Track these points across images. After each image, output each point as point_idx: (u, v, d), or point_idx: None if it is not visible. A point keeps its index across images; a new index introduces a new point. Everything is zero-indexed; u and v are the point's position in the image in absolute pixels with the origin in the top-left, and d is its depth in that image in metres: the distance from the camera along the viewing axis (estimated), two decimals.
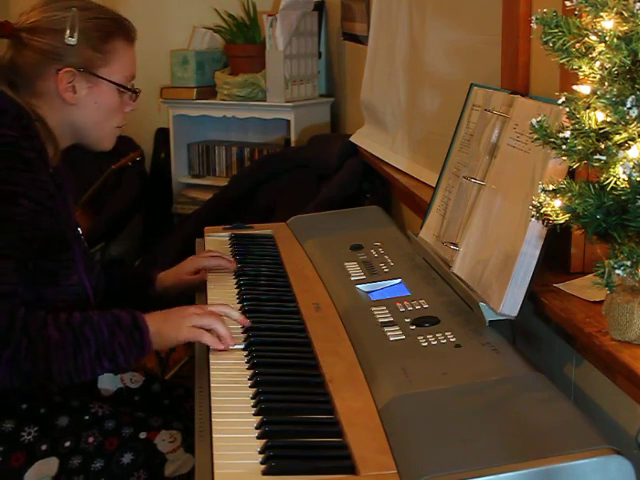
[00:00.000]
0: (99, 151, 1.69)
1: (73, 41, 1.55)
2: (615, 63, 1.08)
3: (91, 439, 1.49)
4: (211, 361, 1.43)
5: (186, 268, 1.87)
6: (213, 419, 1.23)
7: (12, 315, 1.38)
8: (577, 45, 1.12)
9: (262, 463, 1.11)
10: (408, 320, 1.48)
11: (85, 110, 1.61)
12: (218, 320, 1.48)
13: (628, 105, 1.06)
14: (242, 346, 1.47)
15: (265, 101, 3.81)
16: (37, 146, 1.51)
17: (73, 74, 1.56)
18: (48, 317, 1.42)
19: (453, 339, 1.38)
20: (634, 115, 1.06)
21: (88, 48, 1.58)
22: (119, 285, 1.87)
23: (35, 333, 1.39)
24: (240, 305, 1.67)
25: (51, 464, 1.47)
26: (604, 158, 1.10)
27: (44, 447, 1.48)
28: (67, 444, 1.49)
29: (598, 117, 1.11)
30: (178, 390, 1.78)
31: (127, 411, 1.57)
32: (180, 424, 1.57)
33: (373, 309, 1.55)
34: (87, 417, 1.52)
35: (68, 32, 1.55)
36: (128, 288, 1.87)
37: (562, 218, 1.17)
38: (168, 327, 1.47)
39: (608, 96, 1.08)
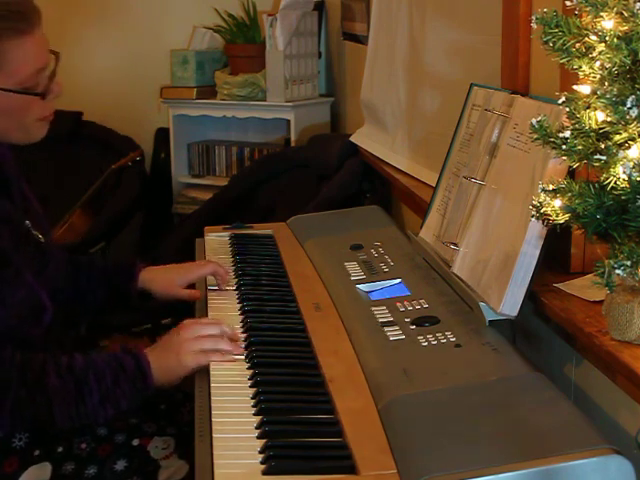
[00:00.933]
0: (31, 143, 1.55)
1: None
2: (615, 63, 1.08)
3: (83, 445, 1.48)
4: None
5: (177, 280, 1.78)
6: (213, 419, 1.23)
7: (6, 362, 1.36)
8: (577, 45, 1.12)
9: (262, 463, 1.11)
10: (408, 320, 1.48)
11: None
12: (215, 339, 1.45)
13: (628, 105, 1.06)
14: (242, 346, 1.47)
15: (265, 101, 3.81)
16: None
17: None
18: (47, 362, 1.39)
19: (453, 339, 1.38)
20: (634, 115, 1.06)
21: None
22: (98, 279, 1.80)
23: (33, 383, 1.37)
24: (240, 305, 1.67)
25: (44, 469, 1.46)
26: (604, 158, 1.10)
27: (37, 452, 1.46)
28: (60, 449, 1.47)
29: (598, 117, 1.11)
30: (176, 395, 1.76)
31: (120, 417, 1.54)
32: (174, 429, 1.55)
33: (373, 309, 1.55)
34: None
35: None
36: (108, 281, 1.80)
37: (562, 218, 1.17)
38: (169, 364, 1.43)
39: (608, 96, 1.08)
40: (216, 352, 1.43)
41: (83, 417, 1.40)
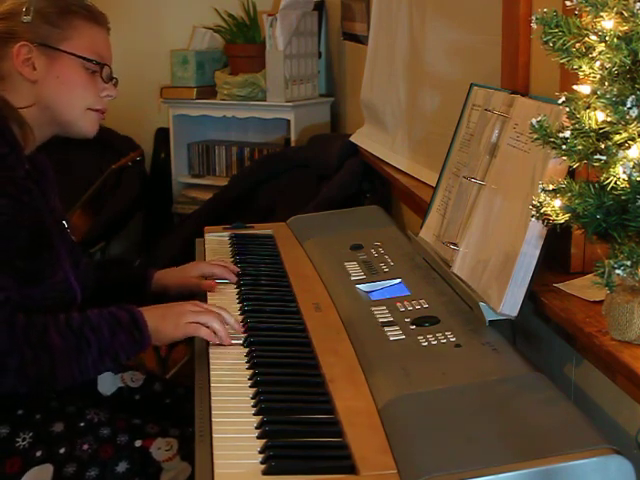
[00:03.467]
0: (82, 137, 1.67)
1: (28, 19, 1.56)
2: (615, 63, 1.08)
3: (86, 446, 1.47)
4: (211, 361, 1.43)
5: (192, 272, 1.85)
6: (213, 419, 1.23)
7: (11, 324, 1.38)
8: (577, 45, 1.12)
9: (262, 463, 1.11)
10: (408, 320, 1.48)
11: (48, 86, 1.58)
12: (215, 317, 1.49)
13: (628, 105, 1.06)
14: (242, 345, 1.47)
15: (265, 101, 3.81)
16: (9, 139, 1.51)
17: (30, 49, 1.56)
18: (48, 322, 1.42)
19: (453, 339, 1.38)
20: (634, 115, 1.06)
21: (44, 23, 1.58)
22: (115, 282, 1.87)
23: (37, 342, 1.39)
24: (240, 305, 1.67)
25: (46, 471, 1.45)
26: (604, 158, 1.10)
27: (39, 453, 1.46)
28: (62, 451, 1.47)
29: (598, 117, 1.11)
30: (179, 390, 1.77)
31: (123, 417, 1.55)
32: (177, 431, 1.54)
33: (373, 309, 1.55)
34: (82, 424, 1.51)
35: (24, 12, 1.57)
36: (124, 285, 1.86)
37: (562, 218, 1.17)
38: (166, 324, 1.48)
39: (608, 96, 1.08)
40: (207, 329, 1.48)
41: (84, 372, 1.42)
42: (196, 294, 1.83)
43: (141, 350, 1.47)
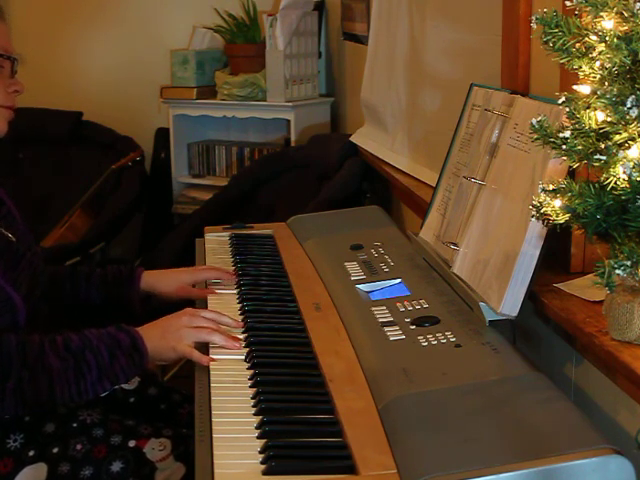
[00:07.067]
0: None
1: None
2: (615, 63, 1.08)
3: (79, 446, 1.47)
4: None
5: (187, 280, 1.79)
6: (213, 419, 1.23)
7: (4, 345, 1.38)
8: (577, 45, 1.12)
9: (262, 463, 1.11)
10: (408, 320, 1.48)
11: None
12: (212, 332, 1.47)
13: (628, 105, 1.07)
14: (241, 343, 1.47)
15: (265, 101, 3.81)
16: None
17: None
18: (45, 343, 1.41)
19: (453, 339, 1.38)
20: (634, 115, 1.06)
21: None
22: (98, 289, 1.80)
23: (35, 364, 1.39)
24: (240, 305, 1.67)
25: (40, 469, 1.46)
26: (604, 158, 1.10)
27: (32, 453, 1.47)
28: (55, 450, 1.47)
29: (598, 117, 1.11)
30: (175, 395, 1.77)
31: (116, 419, 1.55)
32: (170, 432, 1.54)
33: (373, 309, 1.55)
34: (75, 424, 1.51)
35: None
36: (108, 291, 1.80)
37: (562, 218, 1.17)
38: (165, 346, 1.47)
39: (608, 96, 1.08)
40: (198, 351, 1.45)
41: (83, 394, 1.42)
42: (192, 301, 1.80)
43: (139, 372, 1.47)
